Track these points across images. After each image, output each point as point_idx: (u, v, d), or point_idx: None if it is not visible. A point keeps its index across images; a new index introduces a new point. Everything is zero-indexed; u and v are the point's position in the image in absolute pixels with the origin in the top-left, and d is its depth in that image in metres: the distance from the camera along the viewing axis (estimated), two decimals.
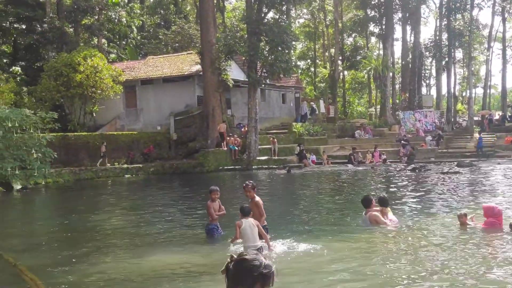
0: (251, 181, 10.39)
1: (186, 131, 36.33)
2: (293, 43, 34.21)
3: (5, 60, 45.49)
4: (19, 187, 24.07)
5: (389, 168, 29.82)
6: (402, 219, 12.14)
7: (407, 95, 50.75)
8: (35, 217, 16.97)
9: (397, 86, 57.17)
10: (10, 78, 35.93)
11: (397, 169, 28.79)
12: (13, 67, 43.28)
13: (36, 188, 25.26)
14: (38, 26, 44.29)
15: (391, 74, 49.76)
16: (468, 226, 10.75)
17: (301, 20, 70.50)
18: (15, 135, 25.05)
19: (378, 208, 11.34)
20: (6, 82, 33.14)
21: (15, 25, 44.77)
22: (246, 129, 34.42)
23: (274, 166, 31.35)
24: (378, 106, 57.10)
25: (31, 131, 25.85)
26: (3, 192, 23.11)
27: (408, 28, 53.82)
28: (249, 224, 9.24)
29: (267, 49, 32.98)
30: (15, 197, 22.41)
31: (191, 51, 40.92)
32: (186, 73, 37.77)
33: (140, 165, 32.53)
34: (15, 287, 7.93)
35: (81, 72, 34.66)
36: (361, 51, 63.08)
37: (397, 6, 51.15)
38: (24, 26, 44.81)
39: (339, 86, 58.18)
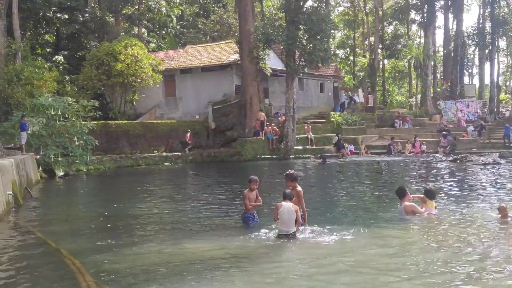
0: (292, 171, 10.43)
1: (224, 120, 36.53)
2: (332, 31, 33.92)
3: (48, 50, 46.55)
4: (61, 173, 24.69)
5: (429, 158, 29.34)
6: (441, 210, 11.96)
7: (449, 84, 49.73)
8: (76, 203, 17.40)
9: (438, 75, 56.07)
10: (53, 67, 36.74)
11: (438, 159, 28.30)
12: (56, 56, 44.22)
13: (78, 175, 25.88)
14: (80, 16, 45.07)
15: (432, 63, 48.76)
16: (509, 218, 10.53)
17: (341, 8, 69.78)
18: (57, 123, 25.69)
19: (411, 199, 11.23)
20: (49, 71, 33.87)
21: (58, 15, 45.65)
22: (284, 118, 34.38)
23: (311, 156, 31.24)
24: (419, 96, 56.21)
25: (73, 119, 26.46)
26: (46, 179, 23.77)
27: (451, 15, 52.52)
28: (288, 208, 9.35)
29: (305, 38, 32.78)
30: (58, 183, 23.01)
31: (230, 40, 41.04)
32: (224, 62, 37.91)
33: (179, 153, 32.93)
34: (58, 272, 8.17)
35: (122, 61, 35.22)
36: (402, 40, 62.03)
37: None
38: (66, 16, 45.63)
39: (378, 75, 57.39)
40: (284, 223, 9.37)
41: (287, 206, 9.39)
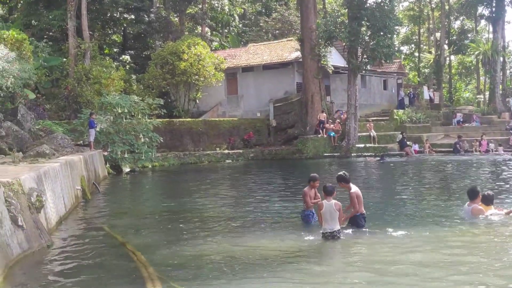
0: (344, 172, 10.29)
1: (285, 118, 36.56)
2: (396, 27, 33.13)
3: (115, 49, 48.10)
4: (128, 170, 25.51)
5: (497, 157, 28.27)
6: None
7: None
8: (142, 198, 17.91)
9: (507, 72, 53.84)
10: (120, 66, 37.91)
11: (506, 158, 27.23)
12: (123, 56, 45.67)
13: (143, 171, 26.65)
14: (146, 16, 46.30)
15: (501, 58, 46.88)
16: None
17: (405, 4, 68.18)
18: (124, 120, 26.46)
19: (482, 204, 10.83)
20: (117, 70, 34.98)
21: (124, 15, 47.09)
22: (346, 116, 34.03)
23: (373, 154, 30.77)
24: (487, 93, 54.12)
25: (139, 116, 27.16)
26: (114, 175, 24.57)
27: None
28: (330, 208, 9.32)
29: (368, 34, 32.26)
30: (124, 179, 23.75)
31: (291, 38, 41.01)
32: (286, 60, 37.94)
33: (240, 151, 33.25)
34: (124, 265, 8.45)
35: (185, 60, 35.89)
36: (469, 35, 59.93)
37: None
38: (133, 16, 47.01)
39: (444, 71, 55.77)
40: (327, 222, 9.34)
41: (329, 206, 9.33)
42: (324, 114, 33.86)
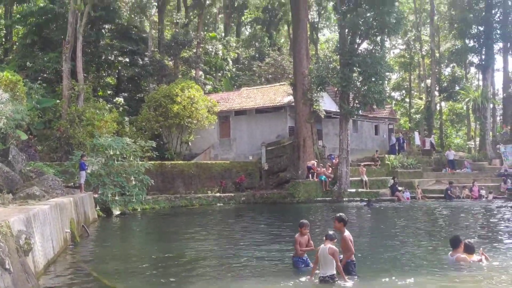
0: (341, 214, 10.34)
1: (277, 161, 36.63)
2: (387, 73, 33.74)
3: (109, 92, 48.42)
4: (118, 212, 25.23)
5: (488, 204, 28.32)
6: (494, 257, 11.52)
7: (509, 127, 48.18)
8: (131, 242, 17.70)
9: (498, 118, 54.49)
10: (114, 109, 38.10)
11: (496, 205, 27.29)
12: (117, 98, 45.90)
13: (133, 214, 26.37)
14: (140, 59, 46.87)
15: (491, 105, 47.58)
16: None
17: (396, 51, 69.56)
18: (116, 162, 26.39)
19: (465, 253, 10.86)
20: (110, 112, 35.13)
21: (119, 58, 47.64)
22: (337, 160, 34.15)
23: (365, 199, 30.75)
24: (478, 139, 54.61)
25: (131, 159, 27.12)
26: (103, 217, 24.32)
27: (510, 58, 51.33)
28: (324, 253, 9.46)
29: (360, 80, 32.72)
30: (114, 222, 23.49)
31: (284, 82, 41.52)
32: (278, 104, 38.29)
33: (232, 194, 33.12)
34: None
35: (179, 103, 36.14)
36: (460, 82, 60.91)
37: (497, 36, 49.01)
38: (127, 60, 47.56)
39: (435, 117, 56.41)
40: (322, 267, 9.51)
41: (324, 251, 9.47)
42: (313, 162, 33.86)
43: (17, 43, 47.11)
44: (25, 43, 42.12)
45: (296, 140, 35.53)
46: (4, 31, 51.52)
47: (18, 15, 45.60)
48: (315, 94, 34.72)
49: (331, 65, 34.11)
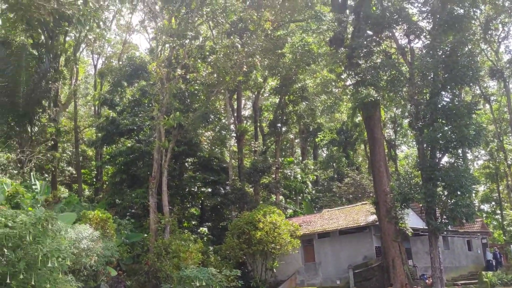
0: None
1: (367, 284, 35.05)
2: (473, 186, 32.53)
3: (194, 222, 49.44)
4: None
5: None
6: None
7: None
8: None
9: None
10: (198, 239, 38.65)
11: None
12: (201, 228, 46.68)
13: None
14: (222, 188, 48.13)
15: None
16: None
17: (480, 162, 67.64)
18: None
19: None
20: (195, 243, 35.57)
21: (202, 189, 49.19)
22: (431, 280, 32.28)
23: None
24: None
25: None
26: None
27: None
28: None
29: (445, 194, 31.65)
30: None
31: (366, 201, 40.87)
32: (362, 224, 37.41)
33: None
34: None
35: (261, 229, 36.15)
36: None
37: None
38: (210, 190, 48.97)
39: None
40: None
41: None
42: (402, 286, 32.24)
43: (107, 182, 50.07)
44: (114, 181, 44.63)
45: (384, 261, 34.16)
46: (95, 172, 55.10)
47: (107, 156, 48.86)
48: (399, 212, 33.79)
49: (413, 181, 33.44)
